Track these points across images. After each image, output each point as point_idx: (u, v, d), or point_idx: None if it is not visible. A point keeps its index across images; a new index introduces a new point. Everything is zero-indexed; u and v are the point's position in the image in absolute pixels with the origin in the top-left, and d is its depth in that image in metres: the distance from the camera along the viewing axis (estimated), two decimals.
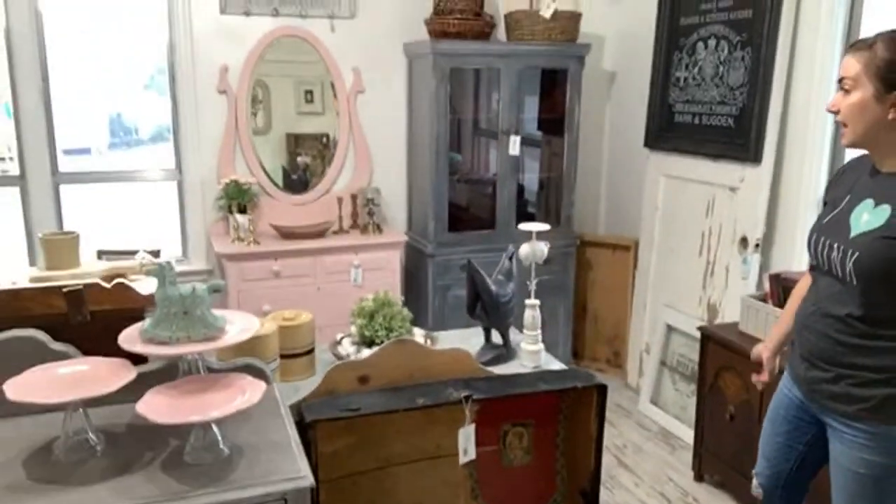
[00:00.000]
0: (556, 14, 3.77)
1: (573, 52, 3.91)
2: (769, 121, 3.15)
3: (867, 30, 2.89)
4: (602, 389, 1.98)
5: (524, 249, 2.20)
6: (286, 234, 3.75)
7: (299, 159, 4.07)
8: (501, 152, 3.91)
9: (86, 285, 1.71)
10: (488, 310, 2.22)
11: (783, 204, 3.25)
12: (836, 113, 1.71)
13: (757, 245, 3.25)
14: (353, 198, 3.99)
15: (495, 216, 3.99)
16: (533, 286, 2.21)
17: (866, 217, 1.67)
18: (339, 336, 2.32)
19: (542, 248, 2.19)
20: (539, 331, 2.23)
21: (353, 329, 2.27)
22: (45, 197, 3.65)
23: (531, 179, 4.36)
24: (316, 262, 3.70)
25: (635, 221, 4.16)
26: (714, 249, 3.52)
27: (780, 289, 2.94)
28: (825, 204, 1.87)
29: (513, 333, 2.34)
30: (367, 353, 2.05)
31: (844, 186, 1.80)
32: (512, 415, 2.03)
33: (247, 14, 3.74)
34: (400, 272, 3.90)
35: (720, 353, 3.02)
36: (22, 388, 1.42)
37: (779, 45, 3.10)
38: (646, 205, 4.00)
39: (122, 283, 1.73)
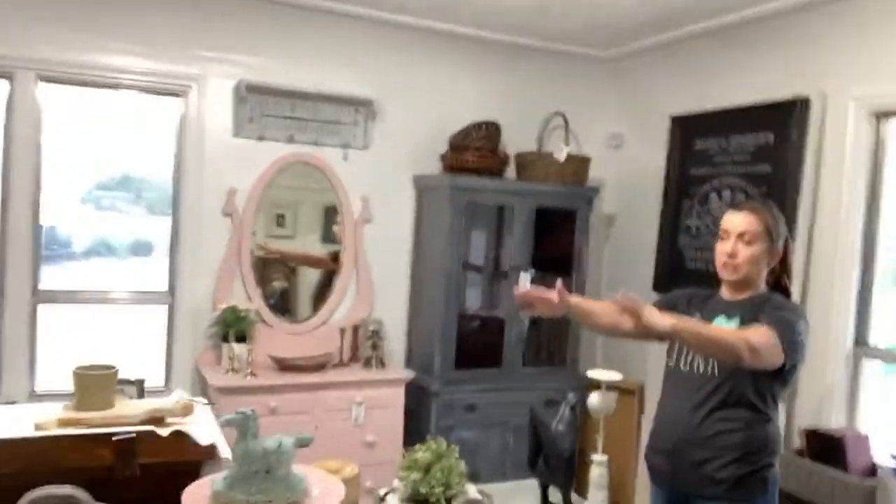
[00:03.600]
0: (569, 157, 3.83)
1: (584, 194, 3.95)
2: (792, 272, 3.16)
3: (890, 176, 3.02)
4: None
5: (594, 400, 2.05)
6: (285, 366, 3.50)
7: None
8: (510, 289, 3.82)
9: (138, 433, 1.47)
10: (552, 465, 2.04)
11: (808, 354, 3.19)
12: (732, 257, 2.10)
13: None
14: (355, 329, 3.80)
15: (502, 354, 3.84)
16: (601, 441, 2.05)
17: (723, 325, 2.07)
18: (382, 491, 2.08)
19: (613, 398, 2.05)
20: (607, 490, 2.05)
21: (400, 483, 2.04)
22: (21, 315, 3.36)
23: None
24: (315, 399, 3.44)
25: (638, 363, 4.05)
26: None
27: (817, 444, 2.84)
28: None
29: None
30: None
31: (690, 311, 2.18)
32: None
33: (260, 139, 3.67)
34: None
35: None
36: None
37: (801, 198, 3.16)
38: (653, 347, 3.92)
39: (179, 432, 1.50)
